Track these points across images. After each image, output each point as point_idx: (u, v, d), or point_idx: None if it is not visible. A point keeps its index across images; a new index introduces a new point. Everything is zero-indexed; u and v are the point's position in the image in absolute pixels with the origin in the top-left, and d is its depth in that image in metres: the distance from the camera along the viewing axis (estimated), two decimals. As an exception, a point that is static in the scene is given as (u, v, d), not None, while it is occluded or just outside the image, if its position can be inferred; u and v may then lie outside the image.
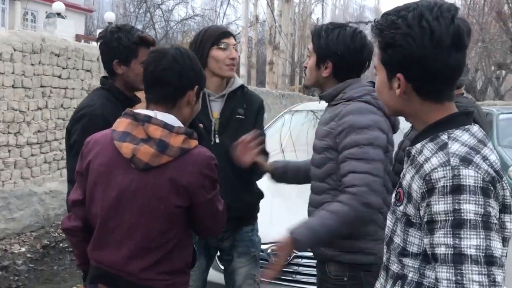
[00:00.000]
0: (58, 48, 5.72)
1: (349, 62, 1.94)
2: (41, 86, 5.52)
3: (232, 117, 2.25)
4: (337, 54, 1.91)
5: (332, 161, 1.87)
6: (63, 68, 5.82)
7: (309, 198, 2.03)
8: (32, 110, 5.42)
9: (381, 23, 1.17)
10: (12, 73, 5.12)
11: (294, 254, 2.65)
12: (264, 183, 3.03)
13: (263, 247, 2.70)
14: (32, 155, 5.50)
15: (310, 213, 1.99)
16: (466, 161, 1.06)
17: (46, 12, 24.67)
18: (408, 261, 1.18)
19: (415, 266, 1.16)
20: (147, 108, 1.62)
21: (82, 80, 6.12)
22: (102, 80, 2.20)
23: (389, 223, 1.27)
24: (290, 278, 2.72)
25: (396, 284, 1.21)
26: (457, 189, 1.03)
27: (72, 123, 2.08)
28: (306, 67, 2.06)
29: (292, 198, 3.44)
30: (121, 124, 1.58)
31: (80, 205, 1.63)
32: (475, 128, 1.15)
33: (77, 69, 6.04)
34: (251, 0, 20.16)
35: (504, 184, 1.08)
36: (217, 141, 2.22)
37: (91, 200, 1.60)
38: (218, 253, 2.45)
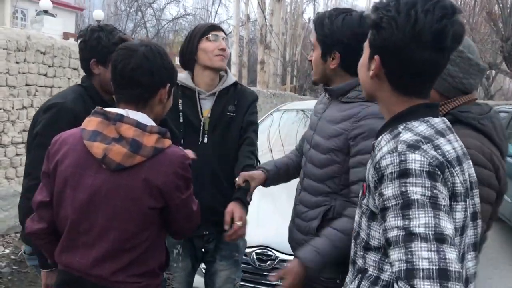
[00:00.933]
0: (44, 46, 5.61)
1: (357, 51, 1.72)
2: (26, 85, 5.42)
3: (222, 115, 2.19)
4: (344, 42, 1.73)
5: (338, 164, 1.76)
6: (49, 66, 5.72)
7: (299, 195, 1.93)
8: (17, 109, 5.31)
9: (379, 2, 1.17)
10: (-4, 71, 5.02)
11: (279, 258, 2.61)
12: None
13: (248, 250, 2.66)
14: (17, 154, 5.40)
15: (300, 214, 1.91)
16: (413, 147, 1.07)
17: (36, 10, 24.47)
18: (370, 255, 1.19)
19: (376, 260, 1.18)
20: (117, 107, 1.56)
21: (68, 78, 6.02)
22: (82, 78, 2.15)
23: (356, 217, 1.28)
24: (274, 283, 2.65)
25: (357, 278, 1.22)
26: (403, 174, 1.04)
27: (39, 113, 2.00)
28: (310, 61, 1.89)
29: (281, 199, 3.38)
30: (91, 122, 1.51)
31: (47, 206, 1.56)
32: (436, 119, 1.16)
33: (64, 68, 5.94)
34: (242, -1, 20.10)
35: (455, 172, 1.08)
36: (205, 141, 2.16)
37: (59, 202, 1.53)
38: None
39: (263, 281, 2.67)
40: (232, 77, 2.27)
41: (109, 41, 2.02)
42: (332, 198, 1.78)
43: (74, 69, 6.12)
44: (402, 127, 1.14)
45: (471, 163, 1.19)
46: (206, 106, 2.19)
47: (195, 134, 2.15)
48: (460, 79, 1.60)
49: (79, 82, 6.69)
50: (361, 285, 1.19)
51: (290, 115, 4.64)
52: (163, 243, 1.61)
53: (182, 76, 2.21)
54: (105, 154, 1.45)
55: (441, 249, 0.98)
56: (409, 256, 0.99)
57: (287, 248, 2.04)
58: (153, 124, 1.52)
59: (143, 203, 1.46)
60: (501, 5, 15.62)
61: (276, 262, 2.63)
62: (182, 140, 2.13)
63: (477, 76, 1.62)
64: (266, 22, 18.70)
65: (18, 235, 5.36)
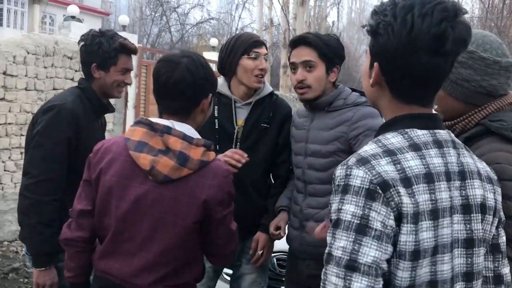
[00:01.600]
0: (71, 51, 5.75)
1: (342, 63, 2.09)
2: (54, 89, 5.56)
3: (256, 125, 2.21)
4: (343, 56, 2.04)
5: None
6: (76, 71, 5.85)
7: (303, 201, 2.04)
8: (44, 113, 5.46)
9: (378, 6, 1.09)
10: (25, 75, 5.16)
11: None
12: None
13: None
14: (44, 157, 5.53)
15: (311, 216, 2.00)
16: (362, 161, 1.01)
17: (64, 15, 25.06)
18: None
19: None
20: (160, 117, 1.56)
21: (94, 83, 6.16)
22: (80, 80, 2.18)
23: None
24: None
25: None
26: (344, 189, 1.00)
27: (38, 114, 2.03)
28: (302, 80, 2.01)
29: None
30: (136, 132, 1.51)
31: (87, 215, 1.56)
32: (418, 132, 1.06)
33: (90, 72, 6.09)
34: (265, 3, 20.18)
35: (404, 191, 0.98)
36: (237, 148, 2.18)
37: (103, 211, 1.53)
38: None
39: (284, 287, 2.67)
40: (268, 86, 2.28)
41: (109, 47, 2.06)
42: None
43: (100, 73, 6.26)
44: (375, 139, 1.08)
45: (476, 183, 1.08)
46: (241, 115, 2.21)
47: (229, 141, 2.19)
48: (478, 81, 1.41)
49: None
50: None
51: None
52: (201, 257, 1.60)
53: (219, 82, 2.22)
54: (152, 165, 1.45)
55: (349, 277, 0.95)
56: (324, 277, 0.99)
57: (306, 254, 2.06)
58: (199, 136, 1.52)
59: (187, 216, 1.46)
60: (530, 8, 15.27)
61: None
62: (217, 146, 2.16)
63: (499, 75, 1.43)
64: (289, 26, 18.72)
65: (44, 236, 5.50)
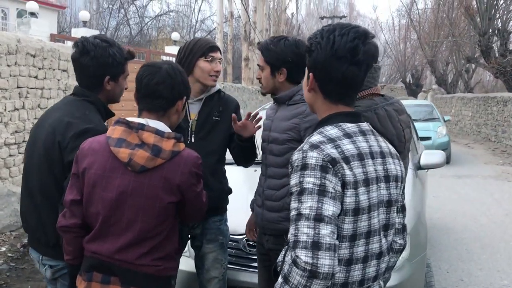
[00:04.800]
0: (34, 49, 5.75)
1: (299, 66, 2.24)
2: (18, 87, 5.56)
3: (208, 119, 2.47)
4: (288, 60, 2.24)
5: (295, 150, 2.14)
6: (39, 69, 5.86)
7: (264, 183, 2.34)
8: (9, 111, 5.45)
9: (312, 34, 1.49)
10: (-12, 74, 5.15)
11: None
12: (240, 177, 3.21)
13: (238, 237, 2.89)
14: (10, 155, 5.54)
15: (270, 196, 2.30)
16: (313, 147, 1.35)
17: (17, 9, 24.26)
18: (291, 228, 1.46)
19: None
20: (139, 116, 1.78)
21: (58, 80, 6.17)
22: (83, 92, 2.05)
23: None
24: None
25: (284, 247, 1.49)
26: (303, 167, 1.34)
27: (68, 138, 1.90)
28: (259, 78, 2.36)
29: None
30: (116, 131, 1.73)
31: (77, 204, 1.75)
32: (348, 124, 1.43)
33: (53, 69, 6.09)
34: (225, -4, 20.19)
35: (346, 166, 1.34)
36: (193, 140, 2.43)
37: (89, 201, 1.73)
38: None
39: (253, 264, 2.89)
40: (216, 85, 2.54)
41: (121, 57, 2.03)
42: None
43: (64, 70, 6.26)
44: (317, 131, 1.43)
45: (390, 160, 1.46)
46: (193, 110, 2.46)
47: (184, 134, 2.39)
48: None
49: (68, 83, 6.67)
50: (287, 254, 1.44)
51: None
52: (177, 230, 1.84)
53: None
54: (130, 158, 1.67)
55: (317, 226, 1.27)
56: (296, 231, 1.30)
57: (266, 229, 2.34)
58: (170, 131, 1.75)
59: (163, 199, 1.69)
60: (478, 0, 16.00)
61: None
62: None
63: (373, 80, 1.99)
64: (249, 18, 18.86)
65: (14, 233, 5.52)
